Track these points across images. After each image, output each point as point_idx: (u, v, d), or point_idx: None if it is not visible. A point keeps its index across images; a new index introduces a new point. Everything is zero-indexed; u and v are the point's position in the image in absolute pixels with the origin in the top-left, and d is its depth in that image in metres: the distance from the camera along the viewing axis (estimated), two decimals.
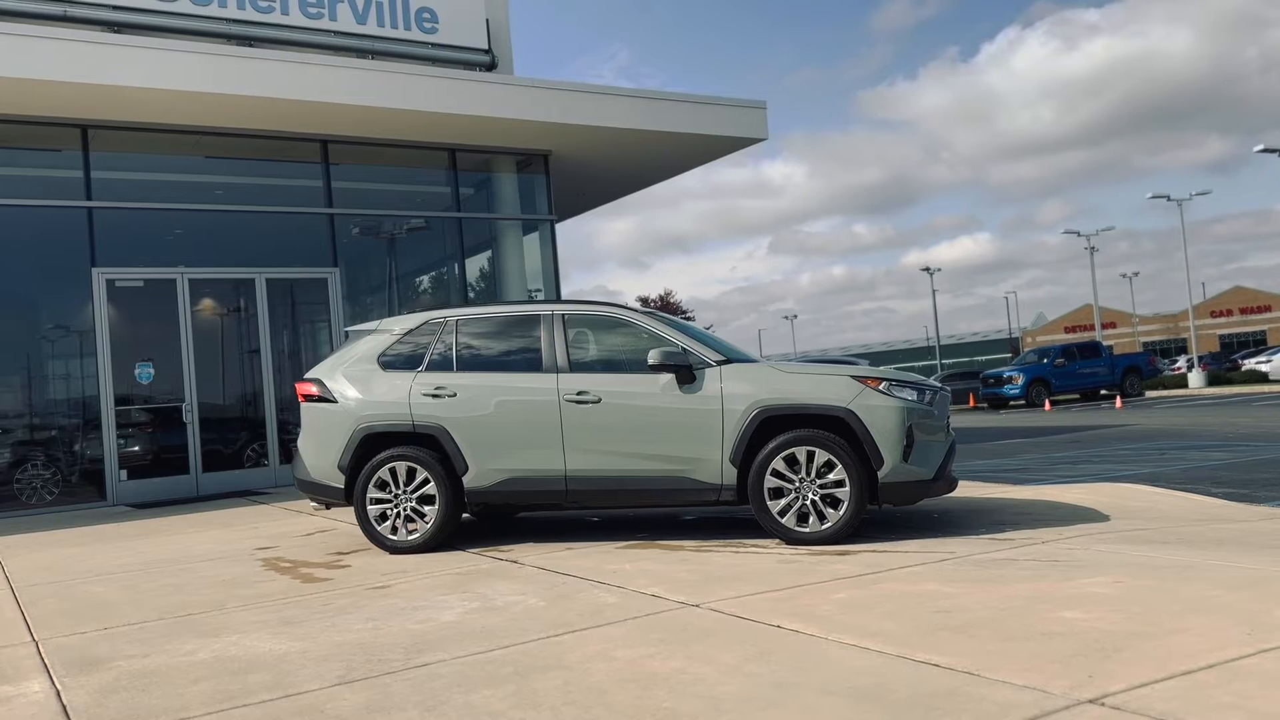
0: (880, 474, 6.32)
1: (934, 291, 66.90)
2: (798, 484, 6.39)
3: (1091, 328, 54.38)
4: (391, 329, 7.48)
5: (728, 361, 6.75)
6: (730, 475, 6.51)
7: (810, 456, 6.37)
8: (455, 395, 7.00)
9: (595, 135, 14.10)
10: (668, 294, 62.61)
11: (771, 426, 6.47)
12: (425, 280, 15.97)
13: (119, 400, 12.00)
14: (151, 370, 12.33)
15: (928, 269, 65.86)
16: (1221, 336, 77.15)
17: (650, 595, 5.10)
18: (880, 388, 6.45)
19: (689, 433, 6.58)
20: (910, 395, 6.50)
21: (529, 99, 13.29)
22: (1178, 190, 73.27)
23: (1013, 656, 3.66)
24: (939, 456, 6.54)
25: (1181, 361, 49.09)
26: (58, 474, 12.07)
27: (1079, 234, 51.77)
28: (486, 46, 14.99)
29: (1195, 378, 35.81)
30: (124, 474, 11.99)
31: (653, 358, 6.61)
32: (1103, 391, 33.35)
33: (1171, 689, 3.20)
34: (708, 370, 6.65)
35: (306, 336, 14.51)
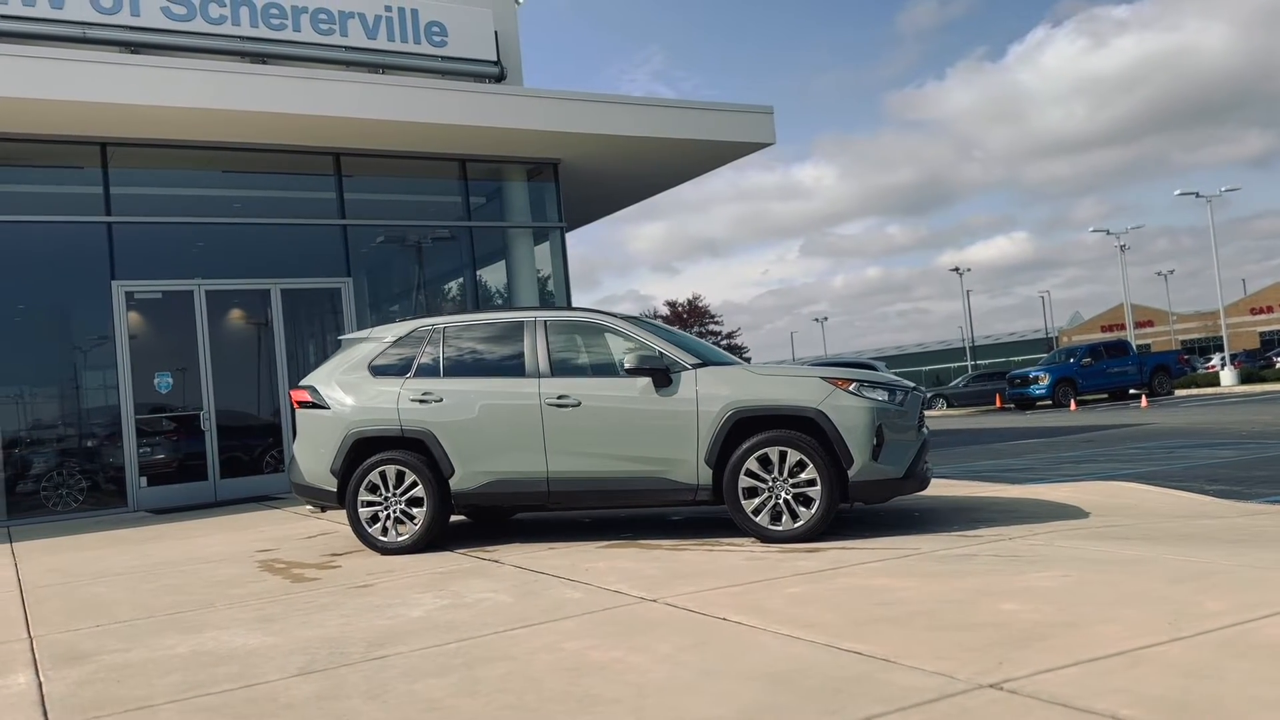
0: (850, 473, 6.45)
1: (966, 292, 66.64)
2: (771, 483, 6.54)
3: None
4: (382, 337, 7.73)
5: (704, 364, 6.92)
6: (706, 475, 6.67)
7: (783, 456, 6.52)
8: (441, 400, 7.23)
9: (603, 143, 14.31)
10: (696, 298, 63.00)
11: (745, 427, 6.62)
12: (438, 289, 16.26)
13: (139, 409, 12.36)
14: (170, 380, 12.69)
15: (957, 269, 65.56)
16: (1262, 333, 75.90)
17: (613, 591, 5.28)
18: (850, 389, 6.58)
19: (665, 434, 6.76)
20: (880, 396, 6.62)
21: (536, 109, 13.53)
22: (1208, 187, 72.27)
23: (934, 645, 3.80)
24: (909, 455, 6.66)
25: (1216, 359, 48.43)
26: (81, 481, 12.46)
27: (1108, 232, 51.28)
28: (495, 58, 15.26)
29: (1227, 375, 35.42)
30: (144, 481, 12.35)
31: (629, 362, 6.79)
32: (1131, 391, 33.04)
33: (1072, 675, 3.33)
34: (684, 373, 6.82)
35: (321, 345, 14.83)
